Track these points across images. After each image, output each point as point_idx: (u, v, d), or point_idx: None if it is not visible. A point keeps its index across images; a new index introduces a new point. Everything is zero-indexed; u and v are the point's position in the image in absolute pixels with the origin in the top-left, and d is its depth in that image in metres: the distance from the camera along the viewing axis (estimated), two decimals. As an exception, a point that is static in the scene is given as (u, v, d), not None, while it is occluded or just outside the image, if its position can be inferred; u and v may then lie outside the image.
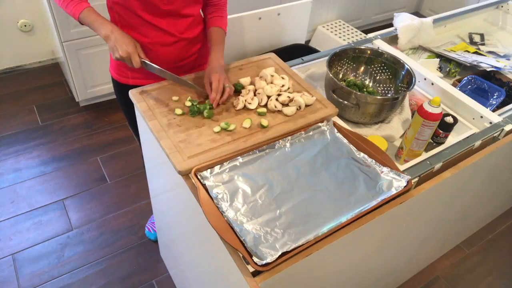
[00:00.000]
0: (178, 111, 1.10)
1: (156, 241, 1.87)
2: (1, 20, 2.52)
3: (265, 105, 1.17)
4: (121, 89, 1.36)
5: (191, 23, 1.27)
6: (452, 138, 1.22)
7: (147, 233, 1.89)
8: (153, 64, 1.14)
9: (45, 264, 1.76)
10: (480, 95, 1.44)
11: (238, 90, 1.19)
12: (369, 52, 1.36)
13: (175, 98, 1.15)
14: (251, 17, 1.79)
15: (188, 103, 1.13)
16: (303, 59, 1.45)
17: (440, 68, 1.58)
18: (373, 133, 1.22)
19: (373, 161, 1.03)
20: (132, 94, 1.16)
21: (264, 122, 1.10)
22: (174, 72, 1.25)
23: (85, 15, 1.14)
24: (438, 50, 1.65)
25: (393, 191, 0.96)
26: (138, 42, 1.20)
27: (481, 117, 1.26)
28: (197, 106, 1.11)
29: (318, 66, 1.46)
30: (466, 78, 1.47)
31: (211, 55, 1.24)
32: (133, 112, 1.30)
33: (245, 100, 1.15)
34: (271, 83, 1.22)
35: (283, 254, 0.81)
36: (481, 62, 1.55)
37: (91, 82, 2.42)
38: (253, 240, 0.83)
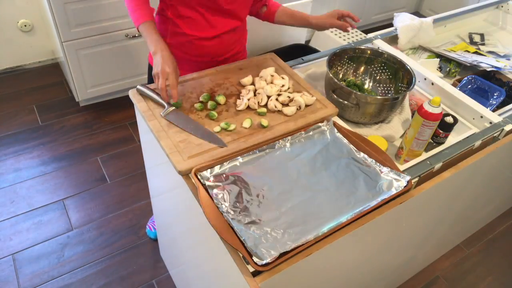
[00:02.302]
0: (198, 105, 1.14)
1: (156, 240, 1.87)
2: (1, 20, 2.52)
3: (265, 105, 1.17)
4: None
5: (239, 26, 1.31)
6: (452, 138, 1.22)
7: (147, 232, 1.89)
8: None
9: (45, 264, 1.76)
10: (480, 95, 1.44)
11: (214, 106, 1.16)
12: (369, 52, 1.36)
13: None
14: (251, 17, 1.79)
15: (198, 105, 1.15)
16: (303, 59, 1.45)
17: (440, 68, 1.58)
18: (373, 133, 1.22)
19: (373, 161, 1.03)
20: (132, 94, 1.16)
21: (264, 122, 1.10)
22: (215, 65, 1.31)
23: (145, 27, 1.17)
24: (438, 50, 1.65)
25: (393, 191, 0.96)
26: (182, 33, 1.25)
27: (481, 117, 1.26)
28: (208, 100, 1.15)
29: (318, 66, 1.46)
30: (466, 78, 1.47)
31: (313, 18, 1.35)
32: None
33: (257, 102, 1.16)
34: (271, 83, 1.22)
35: (283, 254, 0.82)
36: (481, 62, 1.55)
37: (91, 82, 2.42)
38: (253, 240, 0.83)
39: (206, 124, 1.09)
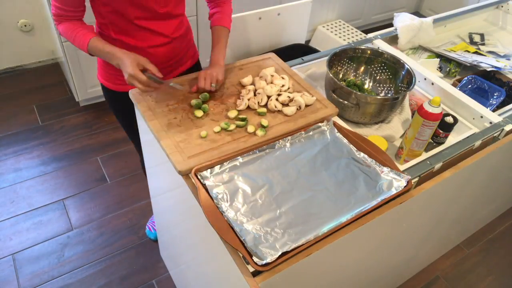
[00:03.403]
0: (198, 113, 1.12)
1: (156, 241, 1.87)
2: (1, 20, 2.52)
3: (265, 105, 1.17)
4: (113, 95, 1.34)
5: (180, 22, 1.28)
6: (452, 138, 1.22)
7: (147, 232, 1.89)
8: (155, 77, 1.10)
9: (45, 264, 1.76)
10: (480, 95, 1.44)
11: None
12: (369, 52, 1.36)
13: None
14: (251, 17, 1.79)
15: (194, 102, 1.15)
16: (303, 59, 1.45)
17: (440, 68, 1.58)
18: (373, 133, 1.22)
19: (373, 161, 1.03)
20: (132, 94, 1.16)
21: (264, 122, 1.10)
22: (169, 69, 1.31)
23: (91, 46, 1.13)
24: (438, 50, 1.65)
25: (393, 191, 0.96)
26: (134, 46, 1.20)
27: (481, 117, 1.26)
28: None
29: (318, 66, 1.46)
30: (466, 78, 1.47)
31: (211, 56, 1.25)
32: (126, 116, 1.34)
33: (257, 102, 1.16)
34: (271, 83, 1.22)
35: (283, 254, 0.82)
36: (481, 62, 1.55)
37: (91, 82, 2.42)
38: (253, 240, 0.83)
39: (206, 124, 1.09)
